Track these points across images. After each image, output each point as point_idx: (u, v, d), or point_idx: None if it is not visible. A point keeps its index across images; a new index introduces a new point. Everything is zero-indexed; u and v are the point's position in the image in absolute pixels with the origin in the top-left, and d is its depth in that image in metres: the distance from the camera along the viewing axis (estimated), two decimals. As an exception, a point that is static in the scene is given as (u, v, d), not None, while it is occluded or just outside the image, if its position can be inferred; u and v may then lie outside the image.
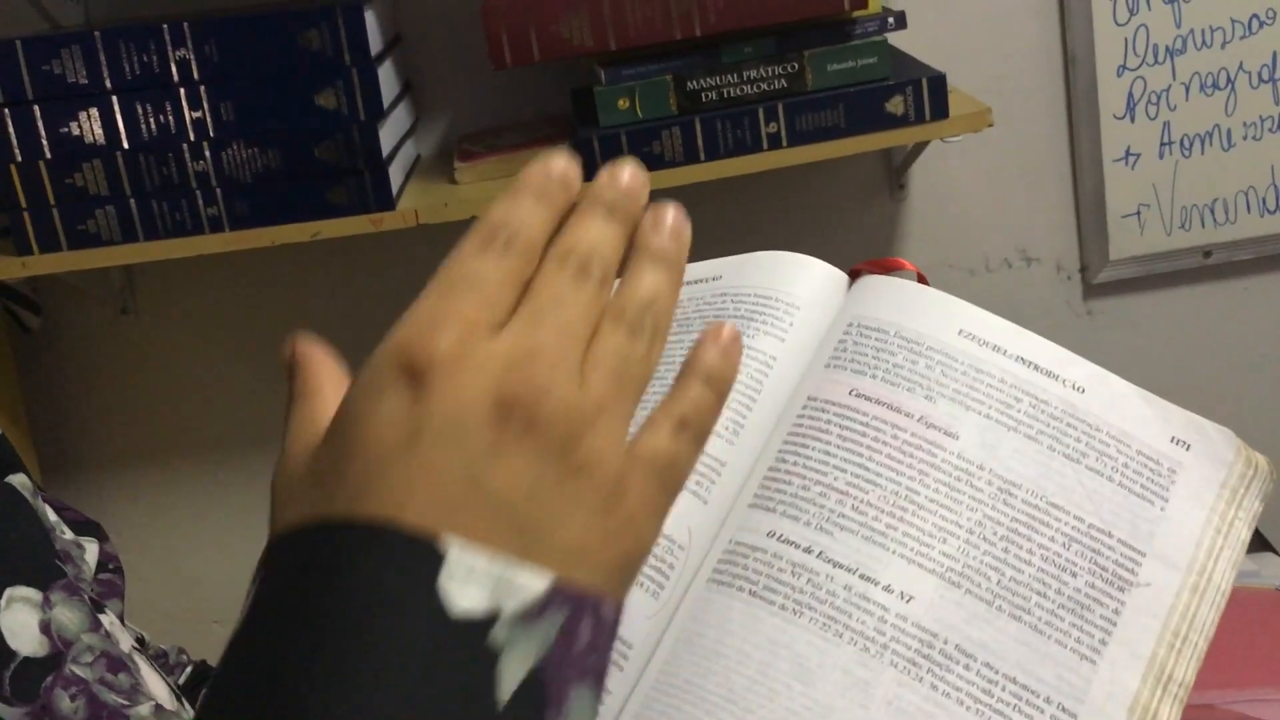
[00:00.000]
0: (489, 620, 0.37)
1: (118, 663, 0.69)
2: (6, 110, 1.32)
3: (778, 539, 0.55)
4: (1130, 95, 1.60)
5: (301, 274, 1.63)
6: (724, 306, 0.65)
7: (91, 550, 0.77)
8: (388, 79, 1.39)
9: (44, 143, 1.33)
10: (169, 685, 0.75)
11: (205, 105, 1.33)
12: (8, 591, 0.67)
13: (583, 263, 0.41)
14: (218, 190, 1.35)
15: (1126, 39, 1.58)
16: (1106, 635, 0.54)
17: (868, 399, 0.58)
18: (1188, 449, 0.58)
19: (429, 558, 0.37)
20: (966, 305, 0.61)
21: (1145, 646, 0.54)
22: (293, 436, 0.43)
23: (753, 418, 0.60)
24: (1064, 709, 0.52)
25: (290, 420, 0.44)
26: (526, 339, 0.40)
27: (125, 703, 0.68)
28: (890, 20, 1.37)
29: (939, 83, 1.37)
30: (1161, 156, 1.62)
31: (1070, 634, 0.53)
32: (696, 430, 0.43)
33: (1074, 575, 0.54)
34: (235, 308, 1.65)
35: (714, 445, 0.59)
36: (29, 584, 0.68)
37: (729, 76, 1.36)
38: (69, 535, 0.76)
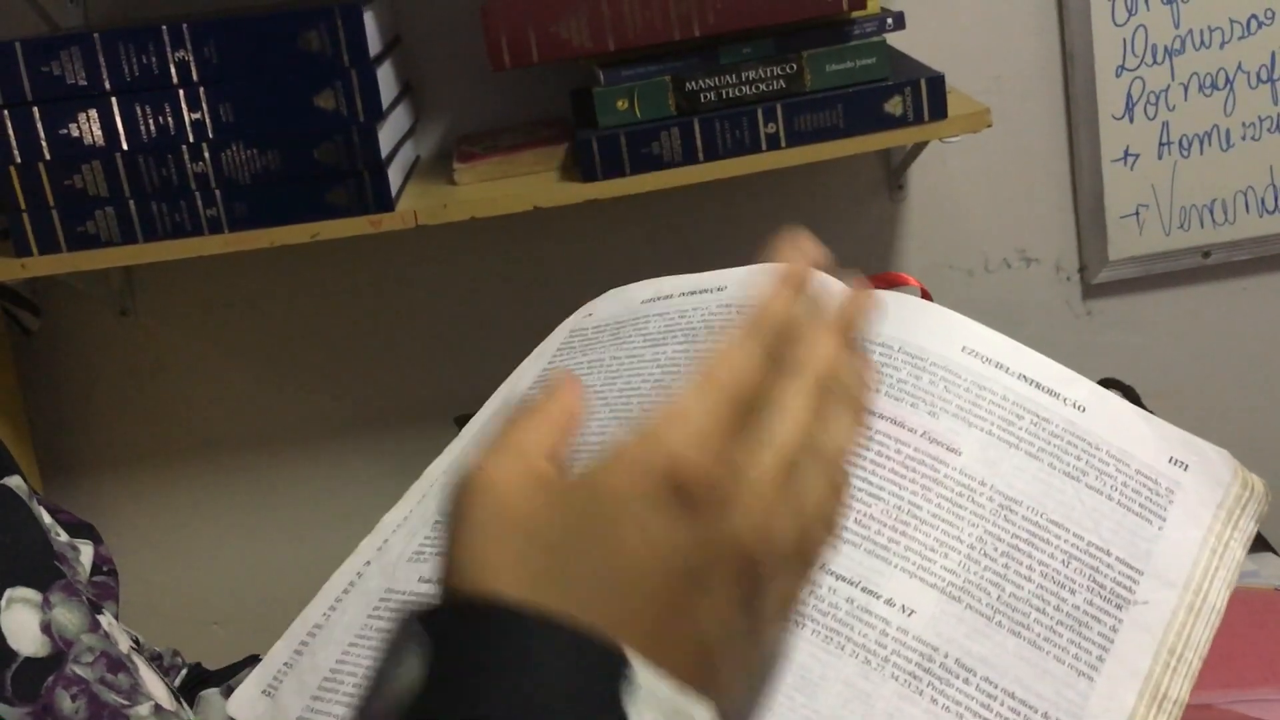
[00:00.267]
0: None
1: (117, 663, 0.69)
2: (6, 112, 1.32)
3: None
4: (1129, 95, 1.60)
5: (301, 275, 1.63)
6: (730, 318, 0.65)
7: (87, 552, 0.77)
8: (387, 80, 1.40)
9: (43, 144, 1.33)
10: (167, 686, 0.75)
11: (204, 106, 1.33)
12: (8, 592, 0.67)
13: (842, 403, 0.43)
14: (217, 191, 1.35)
15: (1125, 39, 1.58)
16: (1104, 652, 0.54)
17: (871, 413, 0.58)
18: (1186, 469, 0.58)
19: (621, 671, 0.37)
20: (970, 322, 0.61)
21: (1142, 664, 0.54)
22: (527, 457, 0.41)
23: None
24: None
25: (526, 435, 0.42)
26: (785, 503, 0.41)
27: (125, 703, 0.68)
28: (889, 21, 1.37)
29: (938, 83, 1.37)
30: (1160, 157, 1.62)
31: (1069, 650, 0.54)
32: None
33: (1073, 592, 0.55)
34: (235, 309, 1.65)
35: None
36: (29, 585, 0.68)
37: (728, 77, 1.36)
38: (64, 537, 0.76)
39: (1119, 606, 0.55)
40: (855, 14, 1.36)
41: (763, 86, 1.36)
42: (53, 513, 0.77)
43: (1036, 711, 0.52)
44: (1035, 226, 1.67)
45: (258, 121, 1.33)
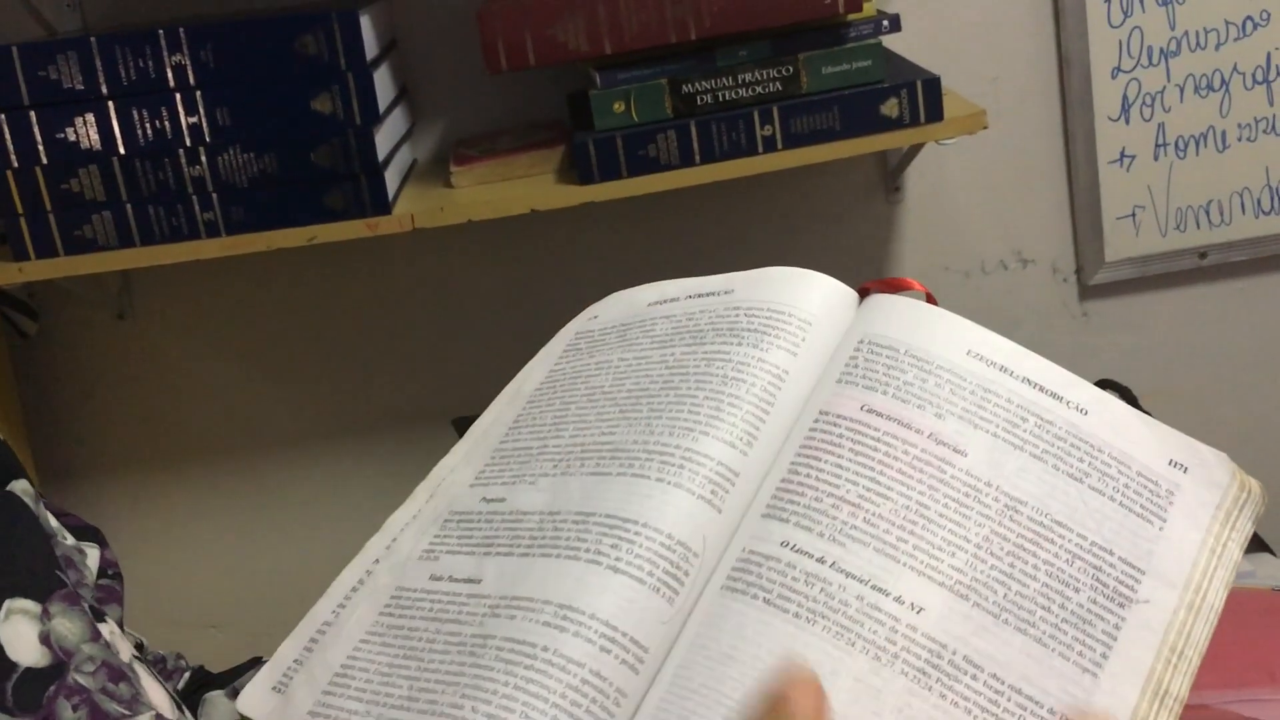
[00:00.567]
0: None
1: (118, 672, 0.69)
2: (3, 116, 1.32)
3: (791, 549, 0.56)
4: (1125, 97, 1.60)
5: (298, 278, 1.63)
6: (737, 320, 0.66)
7: (93, 556, 0.77)
8: (383, 84, 1.40)
9: (40, 148, 1.33)
10: (168, 693, 0.75)
11: (201, 110, 1.33)
12: (6, 604, 0.67)
13: None
14: (214, 195, 1.35)
15: (1121, 41, 1.59)
16: (1107, 649, 0.55)
17: (879, 414, 0.60)
18: (1185, 471, 0.60)
19: None
20: (975, 326, 0.62)
21: (1144, 661, 0.55)
22: None
23: (766, 429, 0.61)
24: None
25: None
26: None
27: (126, 712, 0.68)
28: (885, 23, 1.37)
29: (934, 85, 1.37)
30: (1156, 158, 1.63)
31: (1073, 647, 0.55)
32: None
33: (1077, 591, 0.56)
34: (232, 312, 1.65)
35: (728, 455, 0.60)
36: (28, 596, 0.68)
37: (724, 80, 1.36)
38: (70, 541, 0.76)
39: (1122, 605, 0.56)
40: (851, 16, 1.36)
41: (759, 89, 1.36)
42: (59, 516, 0.77)
43: (1043, 707, 0.53)
44: (1032, 228, 1.67)
45: (254, 125, 1.33)
